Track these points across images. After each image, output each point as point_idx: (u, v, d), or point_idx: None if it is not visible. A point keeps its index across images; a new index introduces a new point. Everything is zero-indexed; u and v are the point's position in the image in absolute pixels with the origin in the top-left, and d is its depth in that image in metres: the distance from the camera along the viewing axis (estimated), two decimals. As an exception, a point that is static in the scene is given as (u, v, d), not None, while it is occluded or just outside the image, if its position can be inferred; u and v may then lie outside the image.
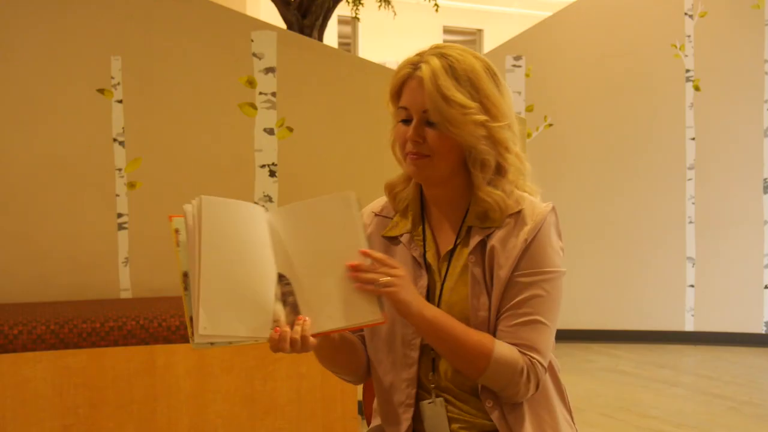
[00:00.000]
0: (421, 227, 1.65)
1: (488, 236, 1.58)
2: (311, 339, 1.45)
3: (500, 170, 1.59)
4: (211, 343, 1.42)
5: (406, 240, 1.64)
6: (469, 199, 1.62)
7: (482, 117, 1.54)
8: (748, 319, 5.56)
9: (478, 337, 1.53)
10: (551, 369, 1.65)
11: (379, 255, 1.48)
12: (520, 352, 1.53)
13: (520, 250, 1.56)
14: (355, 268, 1.45)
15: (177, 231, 1.43)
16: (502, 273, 1.56)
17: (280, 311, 1.46)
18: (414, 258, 1.63)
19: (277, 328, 1.45)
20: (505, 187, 1.59)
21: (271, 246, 1.47)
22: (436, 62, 1.54)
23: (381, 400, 1.69)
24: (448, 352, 1.55)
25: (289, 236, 1.48)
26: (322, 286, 1.46)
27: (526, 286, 1.55)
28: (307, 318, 1.46)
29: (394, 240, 1.66)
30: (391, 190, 1.69)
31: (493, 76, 1.58)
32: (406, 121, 1.59)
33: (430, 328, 1.51)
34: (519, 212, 1.58)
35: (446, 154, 1.56)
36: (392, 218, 1.68)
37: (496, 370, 1.52)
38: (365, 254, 1.46)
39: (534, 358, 1.54)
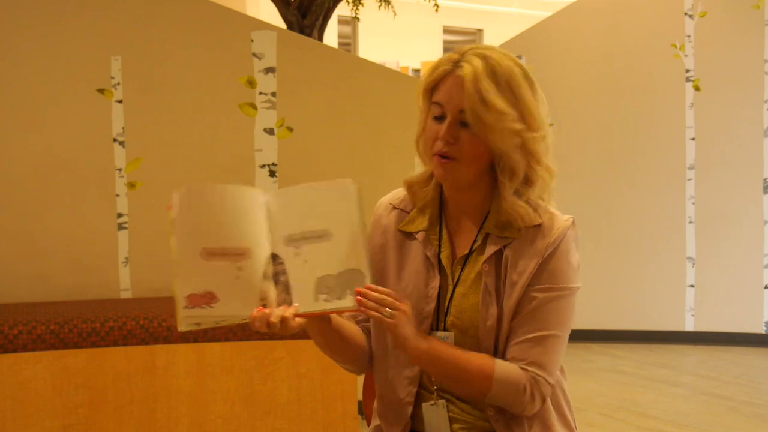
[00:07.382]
0: (438, 227, 1.62)
1: (505, 246, 1.56)
2: (292, 322, 1.45)
3: (527, 181, 1.57)
4: (197, 324, 1.45)
5: (422, 238, 1.62)
6: (490, 205, 1.59)
7: (519, 125, 1.52)
8: (748, 319, 5.56)
9: (478, 361, 1.52)
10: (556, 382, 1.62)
11: (384, 290, 1.47)
12: (522, 369, 1.52)
13: (537, 264, 1.54)
14: (362, 294, 1.45)
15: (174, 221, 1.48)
16: (516, 285, 1.54)
17: (270, 289, 1.47)
18: (427, 257, 1.61)
19: (260, 308, 1.45)
20: (530, 198, 1.57)
21: (267, 227, 1.48)
22: (478, 63, 1.52)
23: (381, 396, 1.68)
24: (449, 380, 1.55)
25: (285, 218, 1.49)
26: (315, 270, 1.48)
27: (540, 302, 1.53)
28: (294, 303, 1.46)
29: (409, 235, 1.64)
30: (410, 187, 1.66)
31: (531, 83, 1.55)
32: (439, 118, 1.54)
33: (427, 359, 1.52)
34: (539, 225, 1.56)
35: (475, 159, 1.53)
36: (409, 213, 1.66)
37: (500, 391, 1.52)
38: (370, 290, 1.46)
39: (538, 374, 1.52)
